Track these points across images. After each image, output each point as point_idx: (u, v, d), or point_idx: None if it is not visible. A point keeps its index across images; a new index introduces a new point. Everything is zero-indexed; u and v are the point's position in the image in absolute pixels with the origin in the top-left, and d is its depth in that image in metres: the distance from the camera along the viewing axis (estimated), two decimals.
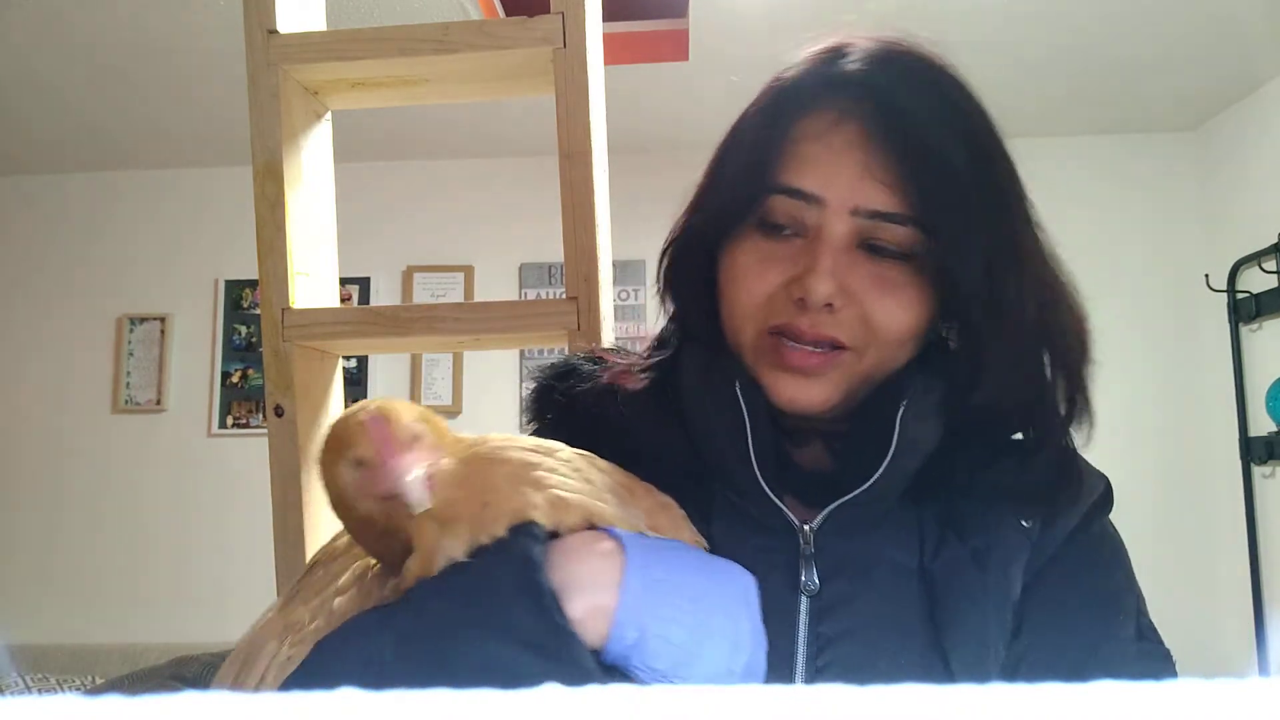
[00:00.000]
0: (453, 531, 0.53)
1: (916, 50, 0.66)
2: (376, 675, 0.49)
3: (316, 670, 0.51)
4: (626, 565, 0.52)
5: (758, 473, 0.64)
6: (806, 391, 0.65)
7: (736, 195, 0.66)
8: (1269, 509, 3.08)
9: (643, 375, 0.73)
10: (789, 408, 0.65)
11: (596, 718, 0.17)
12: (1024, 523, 0.66)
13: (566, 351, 0.94)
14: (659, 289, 0.74)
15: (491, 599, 0.50)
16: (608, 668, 0.51)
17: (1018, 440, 0.69)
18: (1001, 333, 0.64)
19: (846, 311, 0.63)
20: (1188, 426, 3.30)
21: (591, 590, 0.51)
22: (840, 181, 0.62)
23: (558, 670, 0.48)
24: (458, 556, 0.52)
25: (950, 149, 0.62)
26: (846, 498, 0.65)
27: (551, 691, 0.18)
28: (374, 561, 0.59)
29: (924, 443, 0.65)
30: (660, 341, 0.76)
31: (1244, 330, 3.19)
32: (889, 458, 0.63)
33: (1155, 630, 0.69)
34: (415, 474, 0.52)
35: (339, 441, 0.55)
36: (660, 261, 0.73)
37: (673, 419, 0.69)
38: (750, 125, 0.68)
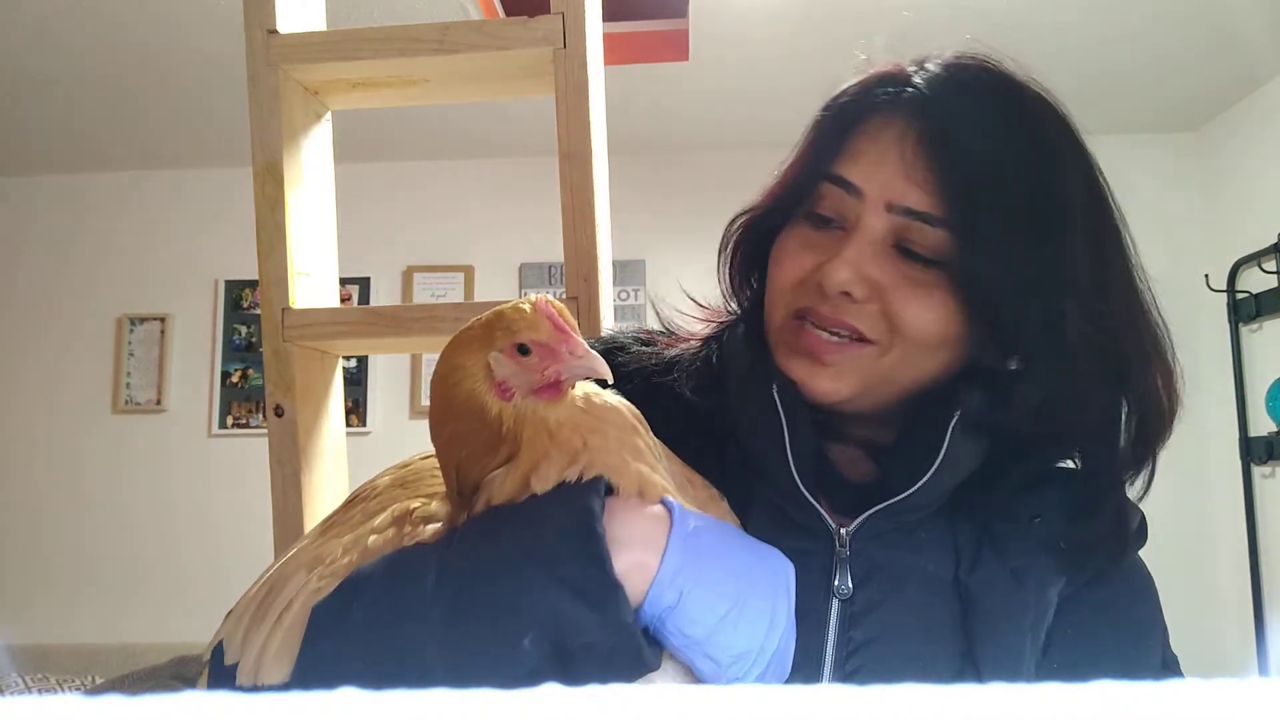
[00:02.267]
0: (551, 460, 0.54)
1: (991, 65, 0.66)
2: (415, 608, 0.50)
3: (351, 598, 0.52)
4: (673, 530, 0.53)
5: (795, 475, 0.65)
6: (815, 379, 0.65)
7: (795, 181, 0.68)
8: (1269, 509, 3.08)
9: (699, 358, 0.74)
10: (805, 393, 0.65)
11: (596, 718, 0.17)
12: (1061, 544, 0.65)
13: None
14: (721, 265, 0.75)
15: (549, 541, 0.51)
16: (644, 627, 0.52)
17: (1064, 469, 0.68)
18: (1043, 357, 0.62)
19: (870, 305, 0.63)
20: (1187, 426, 3.29)
21: (636, 547, 0.52)
22: (880, 176, 0.63)
23: (598, 620, 0.49)
24: (547, 485, 0.54)
25: (992, 160, 0.61)
26: (885, 504, 0.65)
27: (552, 691, 0.18)
28: (415, 504, 0.60)
29: (970, 458, 0.65)
30: (720, 323, 0.77)
31: (1244, 330, 3.19)
32: (933, 469, 0.63)
33: (1179, 663, 0.69)
34: (592, 350, 0.54)
35: (502, 327, 0.55)
36: (725, 236, 0.75)
37: (722, 409, 0.70)
38: (819, 125, 0.69)
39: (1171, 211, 3.40)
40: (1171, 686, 0.18)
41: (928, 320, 0.63)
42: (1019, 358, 0.63)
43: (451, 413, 0.57)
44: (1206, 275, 3.25)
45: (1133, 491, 0.69)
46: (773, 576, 0.55)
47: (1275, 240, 2.99)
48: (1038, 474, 0.67)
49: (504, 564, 0.51)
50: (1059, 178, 0.63)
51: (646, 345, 0.76)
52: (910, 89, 0.64)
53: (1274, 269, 3.01)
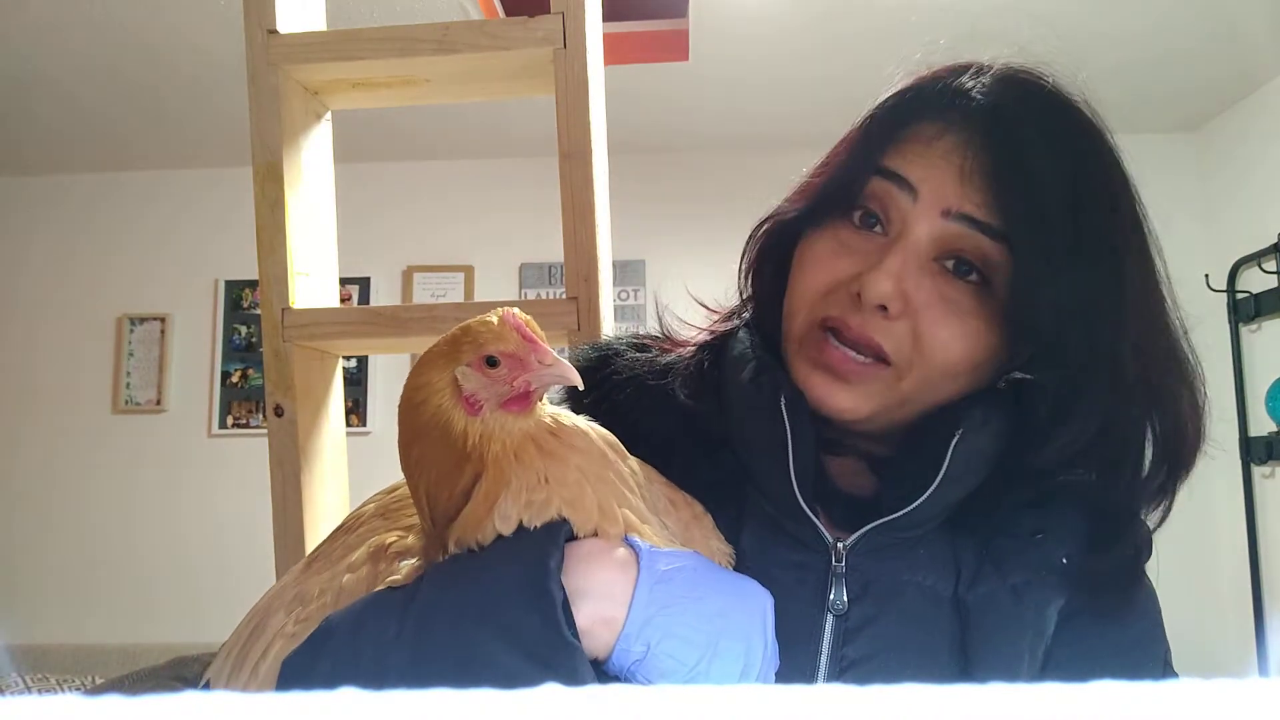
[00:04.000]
0: (511, 493, 0.53)
1: (1046, 82, 0.65)
2: (377, 661, 0.49)
3: (319, 650, 0.51)
4: (639, 578, 0.51)
5: (796, 489, 0.63)
6: (836, 395, 0.63)
7: (841, 176, 0.65)
8: (1269, 509, 3.08)
9: (694, 363, 0.72)
10: (818, 408, 0.63)
11: (596, 718, 0.17)
12: (1064, 560, 0.64)
13: (566, 352, 0.93)
14: (741, 267, 0.73)
15: (503, 604, 0.50)
16: (612, 679, 0.51)
17: (1069, 486, 0.67)
18: (1089, 386, 0.61)
19: (900, 323, 0.61)
20: None
21: (601, 600, 0.51)
22: (937, 178, 0.61)
23: (554, 681, 0.47)
24: (510, 524, 0.53)
25: (1053, 178, 0.60)
26: (884, 520, 0.63)
27: (551, 691, 0.18)
28: (391, 538, 0.59)
29: (972, 475, 0.63)
30: (721, 328, 0.75)
31: (1244, 330, 3.19)
32: (934, 485, 0.62)
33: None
34: (561, 359, 0.53)
35: (469, 341, 0.54)
36: (751, 237, 0.73)
37: (717, 414, 0.68)
38: (871, 121, 0.67)
39: (1171, 211, 3.38)
40: (1171, 686, 0.18)
41: (955, 346, 0.61)
42: (1063, 382, 0.62)
43: (418, 433, 0.55)
44: (1206, 275, 3.25)
45: (1151, 521, 0.68)
46: (748, 614, 0.53)
47: (1275, 240, 2.99)
48: (1042, 490, 0.66)
49: (459, 625, 0.50)
50: (1116, 201, 0.62)
51: (641, 351, 0.75)
52: (971, 99, 0.63)
53: (1274, 269, 3.01)
